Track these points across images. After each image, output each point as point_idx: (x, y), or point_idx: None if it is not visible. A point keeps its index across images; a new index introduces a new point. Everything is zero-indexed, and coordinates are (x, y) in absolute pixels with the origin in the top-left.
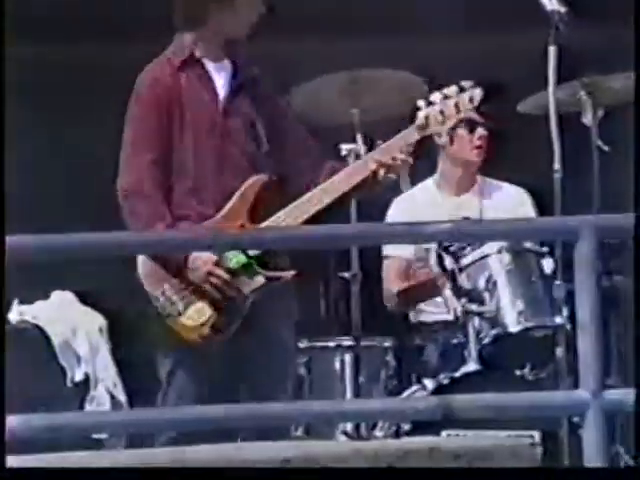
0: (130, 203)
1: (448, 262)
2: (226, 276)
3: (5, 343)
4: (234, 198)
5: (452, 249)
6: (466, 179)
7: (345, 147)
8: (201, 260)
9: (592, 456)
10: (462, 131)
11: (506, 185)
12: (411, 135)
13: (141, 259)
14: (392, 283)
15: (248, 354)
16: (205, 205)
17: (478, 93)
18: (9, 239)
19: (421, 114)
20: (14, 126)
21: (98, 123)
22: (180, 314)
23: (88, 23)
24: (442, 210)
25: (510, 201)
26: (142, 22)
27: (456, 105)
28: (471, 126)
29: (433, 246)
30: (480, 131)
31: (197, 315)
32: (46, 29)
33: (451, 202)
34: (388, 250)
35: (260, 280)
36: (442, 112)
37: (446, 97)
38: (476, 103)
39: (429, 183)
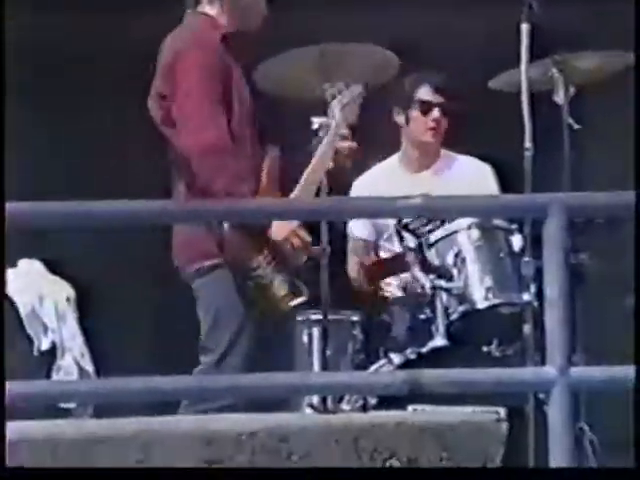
0: (218, 158)
1: (409, 240)
2: (308, 238)
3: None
4: (263, 176)
5: (411, 226)
6: (426, 158)
7: (317, 120)
8: (282, 223)
9: (557, 432)
10: (416, 112)
11: (468, 159)
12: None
13: (228, 233)
14: (356, 265)
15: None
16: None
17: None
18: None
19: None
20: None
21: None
22: (271, 283)
23: None
24: (400, 187)
25: (471, 175)
26: None
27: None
28: (426, 107)
29: (391, 224)
30: (435, 113)
31: (284, 285)
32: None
33: (410, 179)
34: (352, 232)
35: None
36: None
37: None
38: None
39: (394, 160)
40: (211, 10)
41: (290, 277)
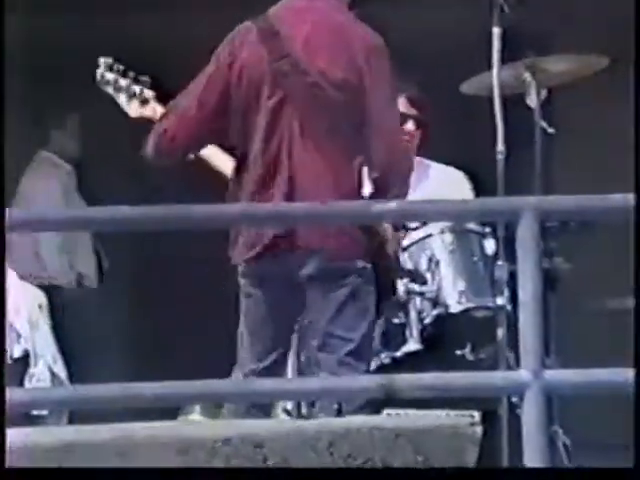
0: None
1: None
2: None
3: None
4: None
5: None
6: None
7: None
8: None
9: (531, 436)
10: None
11: (442, 167)
12: None
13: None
14: None
15: None
16: None
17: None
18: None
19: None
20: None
21: None
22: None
23: None
24: None
25: (447, 183)
26: None
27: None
28: (401, 120)
29: None
30: (409, 125)
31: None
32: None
33: None
34: None
35: None
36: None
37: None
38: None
39: None
40: None
41: None
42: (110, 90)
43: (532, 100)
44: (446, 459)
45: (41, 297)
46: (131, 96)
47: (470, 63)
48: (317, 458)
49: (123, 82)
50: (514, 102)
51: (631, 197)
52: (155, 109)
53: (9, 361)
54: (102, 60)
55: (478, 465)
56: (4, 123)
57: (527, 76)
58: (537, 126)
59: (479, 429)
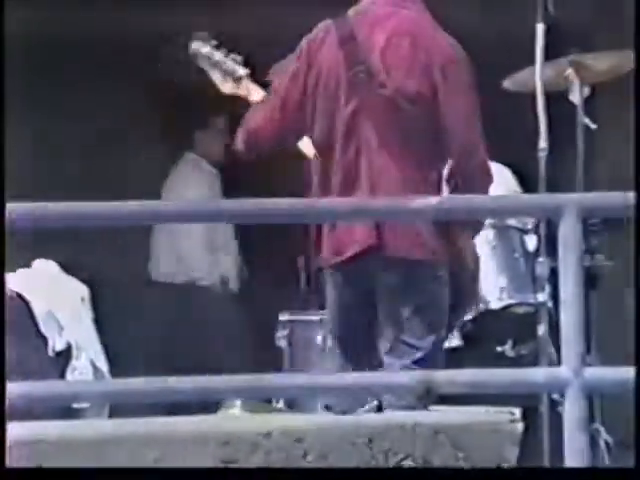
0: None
1: None
2: None
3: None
4: None
5: None
6: None
7: None
8: None
9: (572, 433)
10: None
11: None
12: None
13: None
14: None
15: None
16: None
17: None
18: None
19: None
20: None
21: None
22: None
23: None
24: None
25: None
26: None
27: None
28: None
29: None
30: None
31: None
32: None
33: None
34: None
35: None
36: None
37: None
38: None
39: None
40: None
41: None
42: (205, 65)
43: (575, 97)
44: (485, 456)
45: (84, 290)
46: (226, 73)
47: (513, 60)
48: (356, 453)
49: (218, 56)
50: (556, 99)
51: None
52: (248, 88)
53: (51, 353)
54: (197, 34)
55: (518, 463)
56: (4, 123)
57: (570, 73)
58: (580, 123)
59: (519, 426)
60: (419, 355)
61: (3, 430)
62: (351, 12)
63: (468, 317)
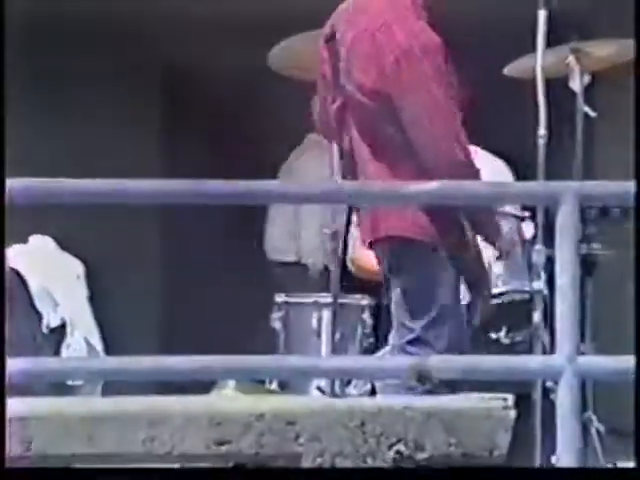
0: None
1: None
2: None
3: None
4: None
5: None
6: None
7: None
8: None
9: (565, 421)
10: None
11: (485, 155)
12: None
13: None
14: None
15: None
16: None
17: None
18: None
19: None
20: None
21: None
22: None
23: None
24: None
25: (488, 171)
26: None
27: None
28: None
29: None
30: None
31: None
32: None
33: None
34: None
35: None
36: None
37: None
38: None
39: None
40: None
41: None
42: None
43: (575, 84)
44: (478, 441)
45: (79, 267)
46: None
47: (514, 46)
48: (349, 437)
49: None
50: (556, 86)
51: None
52: None
53: (45, 330)
54: None
55: (511, 449)
56: (4, 117)
57: (571, 60)
58: (579, 110)
59: (512, 412)
60: (412, 336)
61: (3, 431)
62: (343, 5)
63: (464, 303)
